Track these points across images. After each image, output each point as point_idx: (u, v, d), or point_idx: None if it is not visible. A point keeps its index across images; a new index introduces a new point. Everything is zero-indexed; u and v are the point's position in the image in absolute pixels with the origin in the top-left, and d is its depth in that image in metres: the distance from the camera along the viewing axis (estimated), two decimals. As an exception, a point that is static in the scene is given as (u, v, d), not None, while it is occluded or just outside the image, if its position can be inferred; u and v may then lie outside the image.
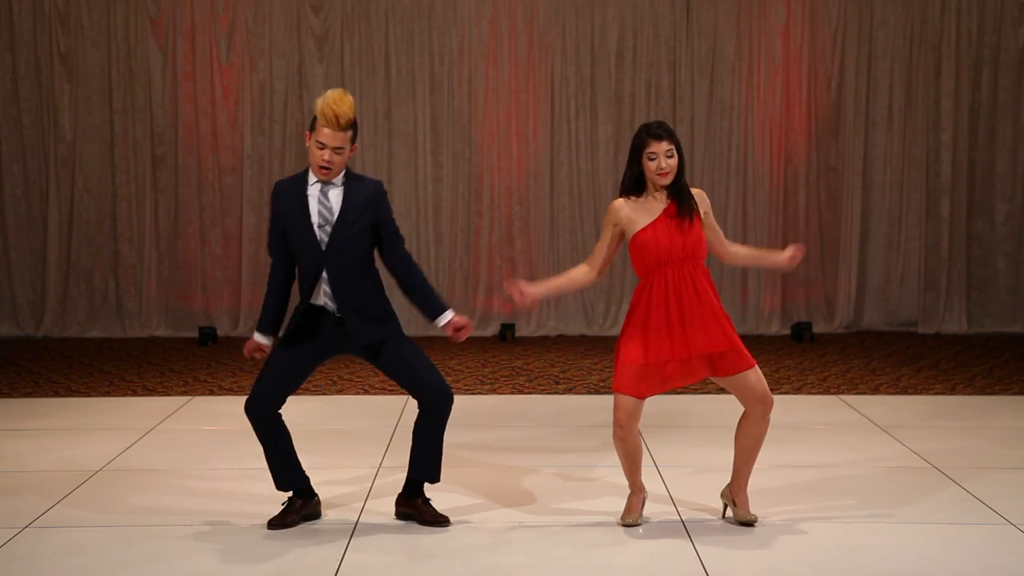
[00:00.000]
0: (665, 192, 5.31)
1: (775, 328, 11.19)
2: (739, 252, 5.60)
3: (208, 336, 10.63)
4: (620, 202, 5.35)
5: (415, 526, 5.46)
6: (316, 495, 5.58)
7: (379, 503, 5.80)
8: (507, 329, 10.93)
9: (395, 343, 5.38)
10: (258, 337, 5.46)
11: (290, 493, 5.52)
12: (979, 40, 11.09)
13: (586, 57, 11.09)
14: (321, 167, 5.23)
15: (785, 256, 5.45)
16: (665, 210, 5.28)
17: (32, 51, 10.93)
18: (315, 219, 5.28)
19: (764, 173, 11.15)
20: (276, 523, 5.44)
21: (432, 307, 5.45)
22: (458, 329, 5.41)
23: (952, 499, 5.85)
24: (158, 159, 11.07)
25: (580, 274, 5.48)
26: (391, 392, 8.34)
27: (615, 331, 11.04)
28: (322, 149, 5.21)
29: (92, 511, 5.70)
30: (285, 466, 5.47)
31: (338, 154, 5.23)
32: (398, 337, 5.40)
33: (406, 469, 5.56)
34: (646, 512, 5.54)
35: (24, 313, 11.12)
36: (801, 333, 10.80)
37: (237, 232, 11.14)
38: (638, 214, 5.30)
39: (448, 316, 5.40)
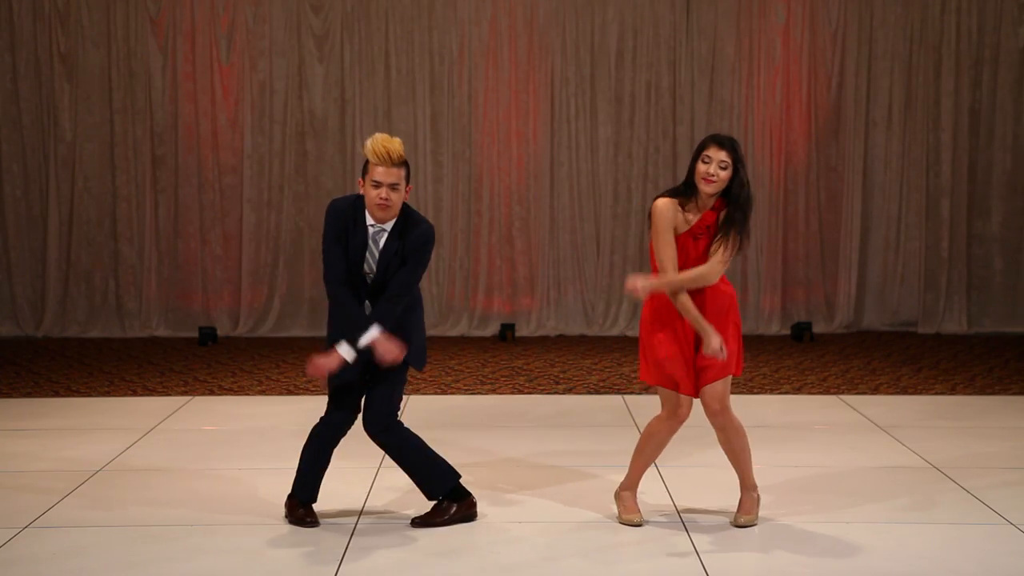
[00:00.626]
0: (708, 202, 5.23)
1: (775, 328, 11.19)
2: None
3: (208, 336, 10.63)
4: (670, 205, 5.22)
5: (414, 527, 5.46)
6: None
7: (379, 503, 5.81)
8: (507, 329, 10.93)
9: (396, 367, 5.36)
10: (347, 352, 5.20)
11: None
12: (979, 40, 11.09)
13: (586, 57, 11.09)
14: (379, 204, 5.17)
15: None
16: (693, 228, 5.22)
17: (32, 51, 10.93)
18: (367, 263, 5.27)
19: (764, 173, 11.14)
20: (311, 522, 5.46)
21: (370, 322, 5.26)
22: (384, 352, 5.19)
23: (952, 499, 5.85)
24: (158, 159, 11.07)
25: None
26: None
27: (615, 331, 11.05)
28: (378, 187, 5.16)
29: (92, 511, 5.70)
30: (318, 482, 5.50)
31: (395, 191, 5.17)
32: (401, 366, 5.36)
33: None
34: (644, 512, 5.55)
35: (24, 313, 11.12)
36: (801, 333, 10.80)
37: (237, 232, 11.14)
38: (679, 223, 5.24)
39: (370, 332, 5.19)
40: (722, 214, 5.22)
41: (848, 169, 11.17)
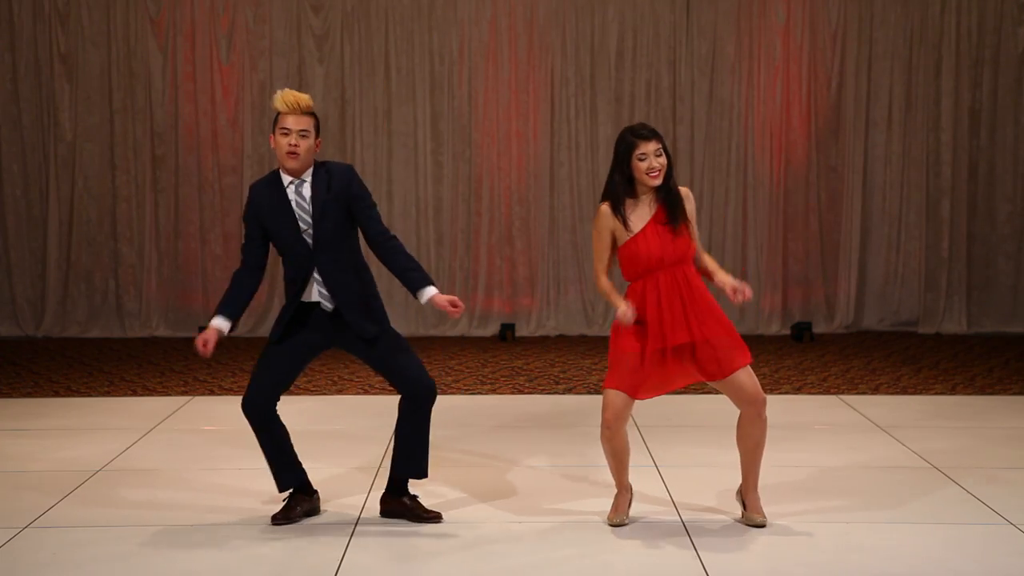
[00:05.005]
0: (654, 195, 5.25)
1: (775, 328, 11.19)
2: (702, 262, 5.37)
3: (208, 336, 10.61)
4: (606, 213, 5.25)
5: (414, 526, 5.45)
6: (315, 491, 5.60)
7: (379, 503, 5.80)
8: (507, 329, 10.93)
9: (387, 338, 5.39)
10: (218, 322, 5.35)
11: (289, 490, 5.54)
12: (979, 40, 11.09)
13: (586, 57, 11.09)
14: (289, 152, 5.22)
15: (730, 284, 5.19)
16: (654, 216, 5.23)
17: (32, 51, 10.93)
18: (300, 223, 5.30)
19: (764, 173, 11.14)
20: (281, 518, 5.45)
21: (412, 280, 5.33)
22: (454, 306, 5.25)
23: (952, 499, 5.85)
24: (158, 159, 11.07)
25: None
26: (391, 392, 8.32)
27: (615, 331, 11.05)
28: (287, 135, 5.22)
29: (92, 511, 5.70)
30: (286, 465, 5.49)
31: (304, 137, 5.23)
32: (389, 333, 5.41)
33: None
34: (637, 511, 5.55)
35: (24, 313, 11.12)
36: (801, 333, 10.81)
37: (237, 232, 11.12)
38: (628, 221, 5.23)
39: (431, 291, 5.28)
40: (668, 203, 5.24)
41: (848, 169, 11.18)
